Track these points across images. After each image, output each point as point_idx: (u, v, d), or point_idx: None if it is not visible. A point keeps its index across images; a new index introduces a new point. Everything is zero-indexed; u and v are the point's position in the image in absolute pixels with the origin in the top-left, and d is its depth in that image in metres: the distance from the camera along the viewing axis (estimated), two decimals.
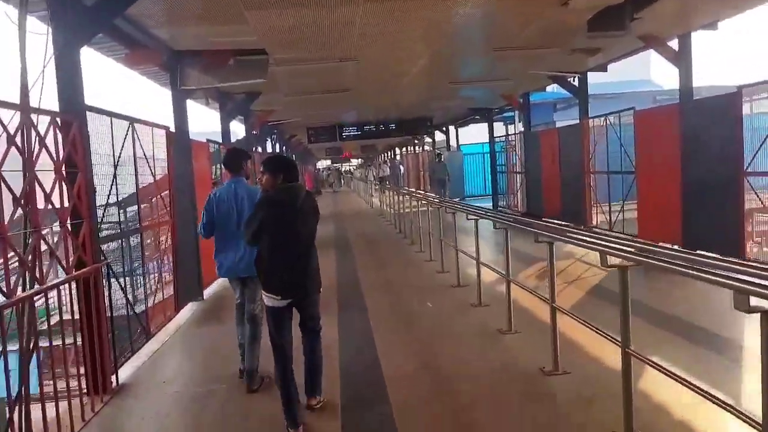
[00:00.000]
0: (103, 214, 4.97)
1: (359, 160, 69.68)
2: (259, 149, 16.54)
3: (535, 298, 5.02)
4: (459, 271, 7.59)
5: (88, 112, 4.62)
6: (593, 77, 15.65)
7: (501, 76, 11.63)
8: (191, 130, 8.24)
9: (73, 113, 4.36)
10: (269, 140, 20.71)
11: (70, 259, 4.39)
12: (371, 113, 18.83)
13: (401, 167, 28.41)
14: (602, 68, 11.13)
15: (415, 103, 16.28)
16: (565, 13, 6.96)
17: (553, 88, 15.51)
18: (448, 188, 18.81)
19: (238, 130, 15.92)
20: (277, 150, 21.96)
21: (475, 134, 29.67)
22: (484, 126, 26.66)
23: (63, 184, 4.16)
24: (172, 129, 7.35)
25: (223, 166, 5.22)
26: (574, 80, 11.49)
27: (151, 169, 6.24)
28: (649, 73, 24.93)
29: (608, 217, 10.37)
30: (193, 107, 12.85)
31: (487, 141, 26.21)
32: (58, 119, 4.09)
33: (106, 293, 4.76)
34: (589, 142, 11.17)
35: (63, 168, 4.15)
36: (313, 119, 17.06)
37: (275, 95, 11.52)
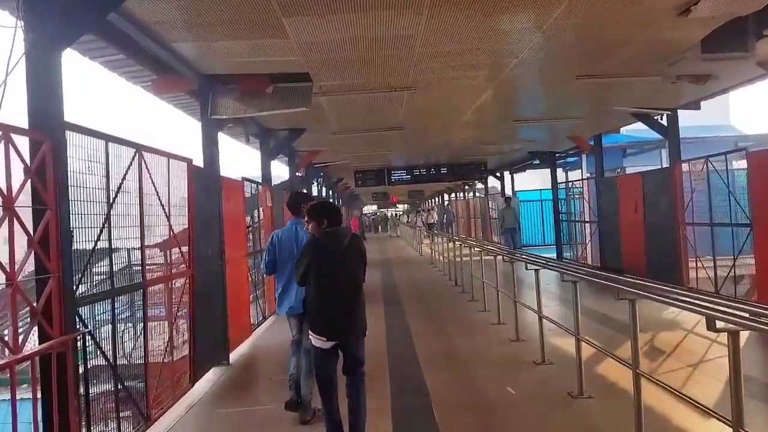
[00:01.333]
0: (87, 264, 3.80)
1: (405, 205, 69.02)
2: (304, 192, 15.55)
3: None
4: (543, 342, 5.93)
5: (70, 132, 3.53)
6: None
7: (574, 114, 10.25)
8: (233, 173, 7.21)
9: (44, 131, 3.26)
10: (315, 183, 19.84)
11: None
12: (421, 156, 17.71)
13: (452, 213, 26.81)
14: (694, 106, 9.59)
15: (470, 146, 15.04)
16: (679, 28, 5.60)
17: (624, 129, 14.02)
18: (519, 238, 16.86)
19: (282, 172, 15.05)
20: (323, 194, 21.06)
21: (529, 181, 28.11)
22: (540, 172, 25.29)
23: (18, 224, 3.02)
24: (199, 163, 6.31)
25: (286, 207, 5.46)
26: (662, 119, 9.97)
27: (164, 209, 5.12)
28: (729, 117, 22.92)
29: (713, 275, 8.59)
30: (234, 147, 12.02)
31: (544, 188, 24.84)
32: (12, 135, 2.97)
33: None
34: (681, 188, 9.53)
35: (16, 203, 3.00)
36: (362, 160, 16.03)
37: (321, 133, 10.52)
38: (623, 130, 14.37)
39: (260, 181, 9.59)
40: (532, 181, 25.08)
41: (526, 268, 6.26)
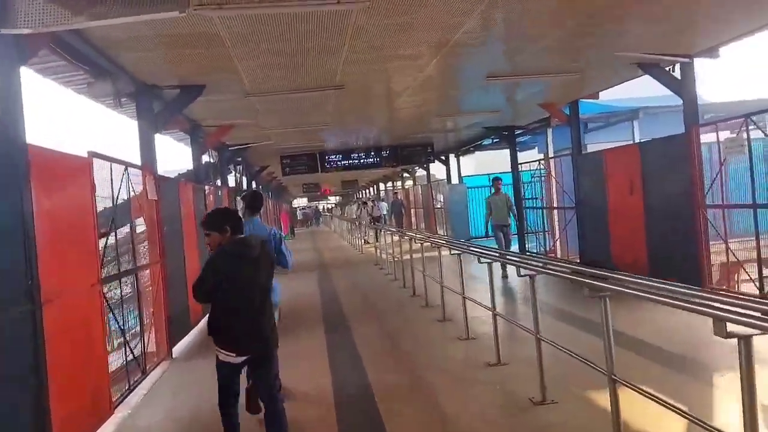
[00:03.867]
0: None
1: (338, 198, 66.09)
2: (214, 185, 12.50)
3: None
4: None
5: None
6: (622, 92, 12.27)
7: (566, 68, 7.94)
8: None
9: None
10: (233, 172, 16.71)
11: None
12: (360, 135, 15.09)
13: (401, 203, 23.71)
14: (711, 53, 7.55)
15: (416, 120, 12.59)
16: None
17: (584, 101, 12.06)
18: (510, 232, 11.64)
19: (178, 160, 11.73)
20: (244, 185, 17.94)
21: (476, 166, 26.06)
22: (475, 156, 23.31)
23: None
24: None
25: (246, 207, 5.09)
26: (673, 70, 7.87)
27: None
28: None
29: (758, 273, 6.58)
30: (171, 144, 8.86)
31: (477, 173, 22.91)
32: None
33: None
34: (700, 160, 7.50)
35: None
36: (289, 139, 13.15)
37: (229, 93, 7.65)
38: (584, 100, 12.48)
39: (137, 163, 6.58)
40: (465, 165, 23.01)
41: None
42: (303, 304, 9.36)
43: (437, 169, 25.78)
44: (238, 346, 3.43)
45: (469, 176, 21.01)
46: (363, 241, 20.14)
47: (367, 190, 44.99)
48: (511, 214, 11.35)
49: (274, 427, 3.45)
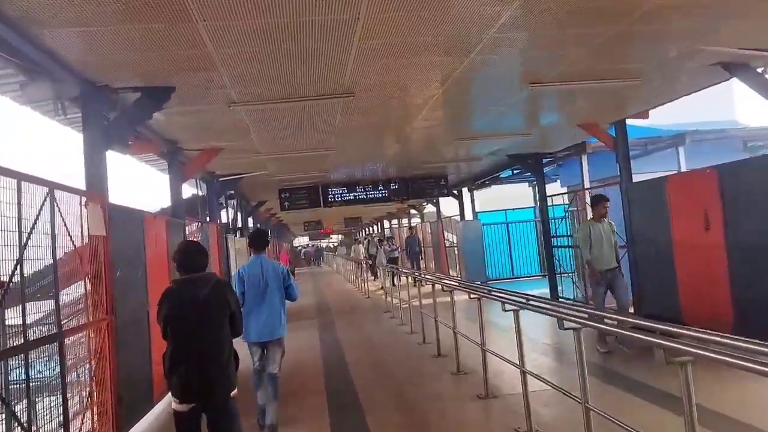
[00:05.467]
0: None
1: (340, 236, 64.35)
2: (200, 221, 10.90)
3: None
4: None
5: None
6: (662, 117, 10.76)
7: (623, 73, 6.40)
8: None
9: None
10: (226, 206, 15.08)
11: None
12: (365, 170, 13.56)
13: (417, 241, 21.23)
14: None
15: (429, 149, 11.08)
16: None
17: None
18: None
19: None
20: (239, 223, 16.28)
21: (481, 203, 24.27)
22: (494, 190, 21.56)
23: None
24: None
25: (249, 245, 5.53)
26: (766, 71, 6.31)
27: None
28: (733, 111, 20.63)
29: None
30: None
31: (513, 206, 21.04)
32: None
33: None
34: None
35: None
36: (287, 167, 11.57)
37: (209, 103, 6.08)
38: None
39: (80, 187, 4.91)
40: (492, 202, 21.28)
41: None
42: (302, 367, 7.55)
43: (446, 206, 24.19)
44: (182, 392, 3.26)
45: (483, 212, 19.33)
46: (378, 286, 18.22)
47: (370, 228, 43.31)
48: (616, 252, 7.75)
49: None
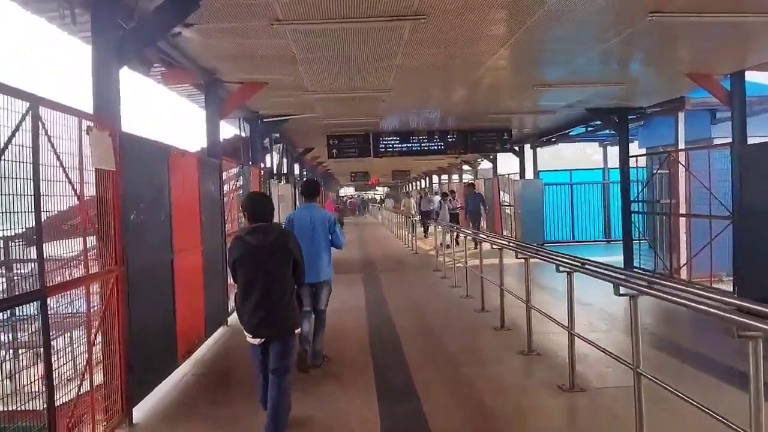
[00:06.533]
0: None
1: (386, 189, 63.33)
2: (242, 163, 10.10)
3: None
4: None
5: None
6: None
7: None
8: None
9: None
10: (273, 151, 14.26)
11: None
12: (422, 118, 12.34)
13: (481, 198, 18.27)
14: None
15: (499, 94, 9.77)
16: None
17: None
18: None
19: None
20: (286, 169, 15.49)
21: (541, 161, 22.39)
22: (557, 150, 19.70)
23: None
24: None
25: (301, 194, 5.83)
26: None
27: None
28: None
29: None
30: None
31: (575, 167, 19.17)
32: None
33: None
34: None
35: None
36: (339, 112, 10.53)
37: (249, 20, 5.05)
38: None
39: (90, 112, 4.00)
40: (512, 166, 19.31)
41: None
42: (346, 330, 6.74)
43: (501, 163, 22.64)
44: (251, 328, 3.61)
45: (545, 171, 17.85)
46: (430, 245, 17.09)
47: (418, 183, 42.01)
48: None
49: (269, 401, 3.57)
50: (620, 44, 6.28)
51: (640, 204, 10.46)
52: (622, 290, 3.63)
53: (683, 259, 9.47)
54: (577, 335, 4.58)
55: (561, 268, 4.66)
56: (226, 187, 7.79)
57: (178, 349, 5.08)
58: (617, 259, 10.46)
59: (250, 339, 3.63)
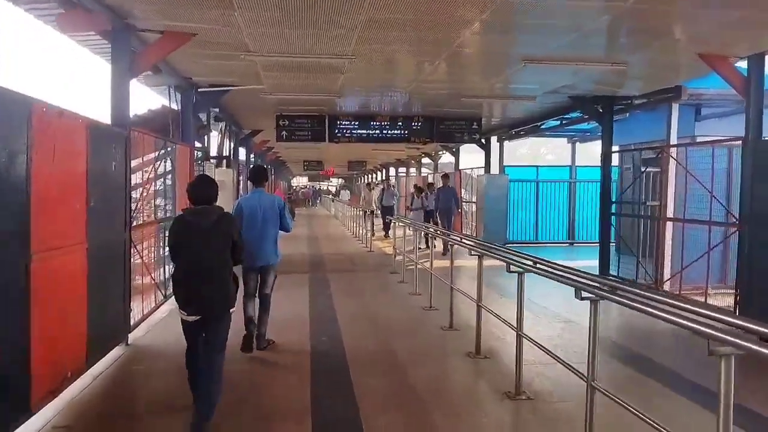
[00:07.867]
0: None
1: (340, 180, 61.53)
2: (164, 138, 8.46)
3: None
4: None
5: None
6: None
7: None
8: None
9: None
10: (214, 130, 12.54)
11: None
12: (384, 100, 10.96)
13: (454, 192, 15.22)
14: None
15: (473, 79, 8.54)
16: None
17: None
18: None
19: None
20: (229, 153, 13.76)
21: (471, 160, 20.88)
22: (510, 145, 18.48)
23: None
24: None
25: (249, 179, 5.98)
26: None
27: None
28: None
29: None
30: None
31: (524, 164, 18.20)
32: None
33: None
34: None
35: None
36: (290, 86, 8.99)
37: None
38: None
39: None
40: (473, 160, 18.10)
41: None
42: (281, 356, 5.30)
43: (465, 157, 21.53)
44: (186, 306, 3.69)
45: (512, 166, 16.81)
46: (367, 232, 15.82)
47: (373, 175, 40.51)
48: None
49: (201, 381, 3.66)
50: (629, 12, 5.07)
51: (619, 205, 9.46)
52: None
53: (668, 269, 8.51)
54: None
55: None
56: (139, 166, 6.18)
57: (31, 391, 3.51)
58: (590, 264, 9.43)
59: (184, 316, 3.71)
